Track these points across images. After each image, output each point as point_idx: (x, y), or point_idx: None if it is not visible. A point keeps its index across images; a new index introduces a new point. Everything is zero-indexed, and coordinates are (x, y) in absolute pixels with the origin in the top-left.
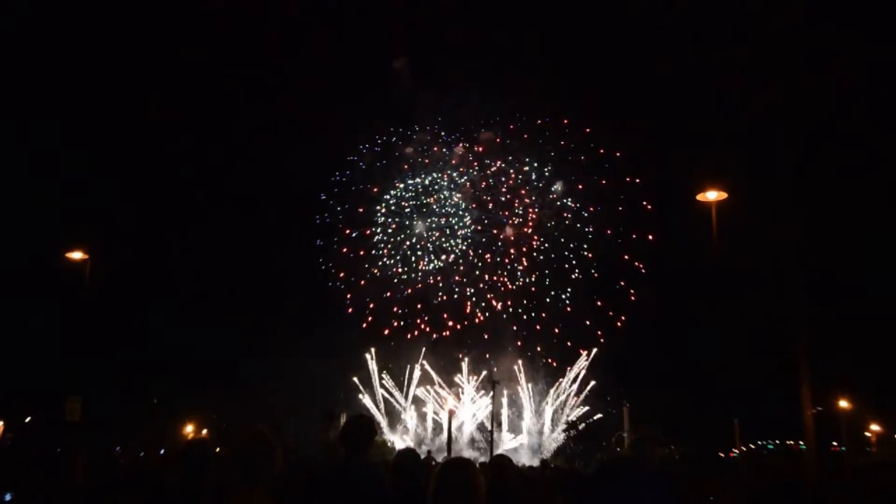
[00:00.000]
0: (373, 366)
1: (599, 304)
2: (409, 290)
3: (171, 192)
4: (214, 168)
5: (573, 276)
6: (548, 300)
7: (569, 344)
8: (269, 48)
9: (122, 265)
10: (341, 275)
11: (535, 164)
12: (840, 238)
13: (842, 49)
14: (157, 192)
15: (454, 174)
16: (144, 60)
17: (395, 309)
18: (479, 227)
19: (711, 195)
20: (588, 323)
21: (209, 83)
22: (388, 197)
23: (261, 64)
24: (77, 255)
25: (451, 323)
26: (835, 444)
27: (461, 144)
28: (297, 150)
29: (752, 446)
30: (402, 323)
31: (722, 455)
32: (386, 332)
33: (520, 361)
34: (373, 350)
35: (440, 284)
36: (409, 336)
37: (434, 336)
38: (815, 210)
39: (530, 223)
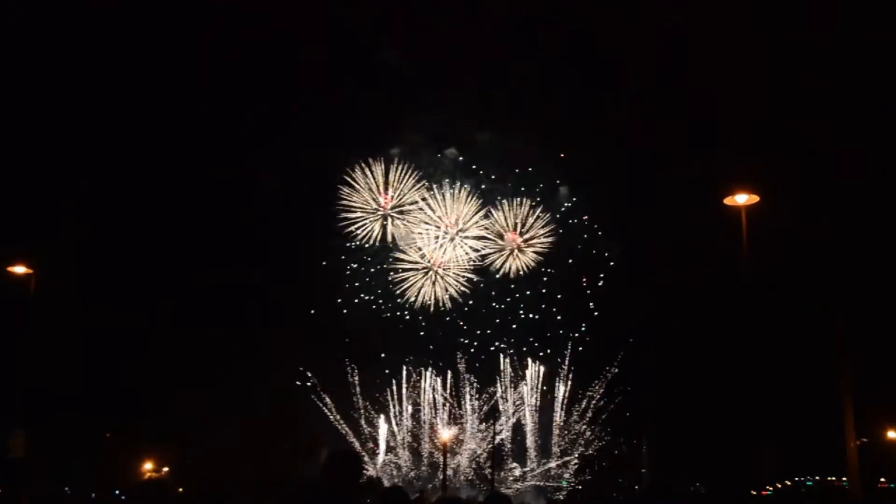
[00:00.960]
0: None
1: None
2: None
3: (133, 196)
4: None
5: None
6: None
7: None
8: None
9: (73, 280)
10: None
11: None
12: (886, 250)
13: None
14: (115, 198)
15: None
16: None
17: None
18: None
19: (741, 198)
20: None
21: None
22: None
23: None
24: (20, 270)
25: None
26: (883, 479)
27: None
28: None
29: (789, 482)
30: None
31: (754, 493)
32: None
33: (525, 387)
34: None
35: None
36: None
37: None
38: (858, 219)
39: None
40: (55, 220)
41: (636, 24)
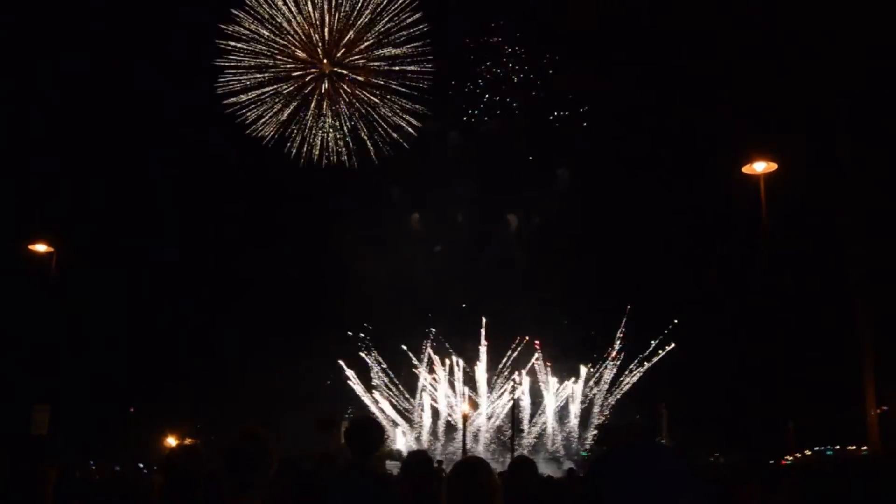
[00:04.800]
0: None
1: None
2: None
3: (156, 178)
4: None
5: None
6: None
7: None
8: None
9: (92, 258)
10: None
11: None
12: None
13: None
14: (137, 178)
15: None
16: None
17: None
18: None
19: (759, 166)
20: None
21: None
22: None
23: None
24: (41, 248)
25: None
26: None
27: None
28: None
29: (808, 452)
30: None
31: (773, 462)
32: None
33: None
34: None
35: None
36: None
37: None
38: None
39: None
40: (76, 198)
41: None
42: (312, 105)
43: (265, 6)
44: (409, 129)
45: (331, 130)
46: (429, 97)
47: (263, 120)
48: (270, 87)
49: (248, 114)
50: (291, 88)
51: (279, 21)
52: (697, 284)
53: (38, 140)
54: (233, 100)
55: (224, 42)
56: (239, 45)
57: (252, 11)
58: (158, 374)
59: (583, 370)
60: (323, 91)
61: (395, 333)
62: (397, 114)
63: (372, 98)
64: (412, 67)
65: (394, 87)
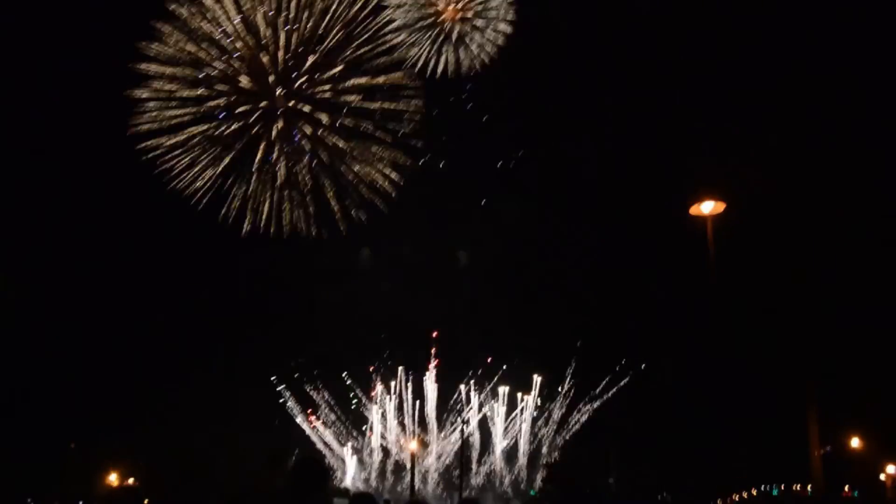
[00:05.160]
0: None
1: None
2: None
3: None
4: None
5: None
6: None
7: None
8: None
9: (34, 288)
10: None
11: None
12: (852, 257)
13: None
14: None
15: None
16: None
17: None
18: None
19: (707, 207)
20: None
21: None
22: None
23: None
24: None
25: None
26: (847, 488)
27: None
28: None
29: (755, 492)
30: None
31: (720, 501)
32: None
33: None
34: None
35: None
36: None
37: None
38: (825, 230)
39: None
40: (14, 221)
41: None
42: (260, 152)
43: (196, 16)
44: (388, 186)
45: (285, 190)
46: (415, 142)
47: (192, 171)
48: (201, 127)
49: (172, 162)
50: (231, 129)
51: (215, 36)
52: (648, 323)
53: None
54: (151, 142)
55: (141, 65)
56: (161, 70)
57: (179, 24)
58: (100, 407)
59: (536, 378)
60: (274, 133)
61: (346, 365)
62: (373, 165)
63: (339, 144)
64: (395, 105)
65: (369, 131)
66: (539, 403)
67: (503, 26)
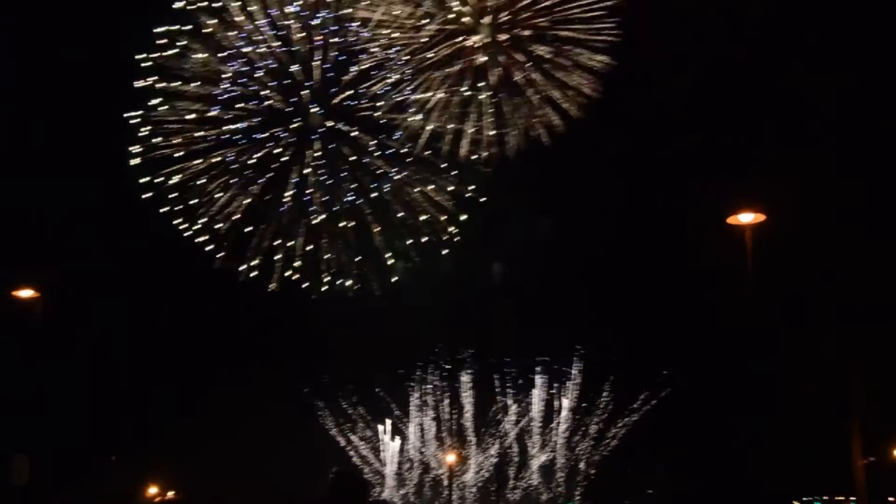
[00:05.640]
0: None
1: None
2: None
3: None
4: None
5: None
6: None
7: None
8: None
9: (78, 307)
10: None
11: None
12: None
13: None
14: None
15: None
16: None
17: None
18: None
19: (746, 217)
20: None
21: None
22: None
23: None
24: (27, 294)
25: None
26: (891, 499)
27: None
28: None
29: (797, 503)
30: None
31: None
32: None
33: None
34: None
35: None
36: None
37: None
38: (863, 237)
39: None
40: (61, 243)
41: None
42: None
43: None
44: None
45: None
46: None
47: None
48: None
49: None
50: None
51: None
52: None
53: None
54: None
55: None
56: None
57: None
58: (139, 422)
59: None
60: (308, 160)
61: (379, 383)
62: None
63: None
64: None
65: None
66: (576, 416)
67: None
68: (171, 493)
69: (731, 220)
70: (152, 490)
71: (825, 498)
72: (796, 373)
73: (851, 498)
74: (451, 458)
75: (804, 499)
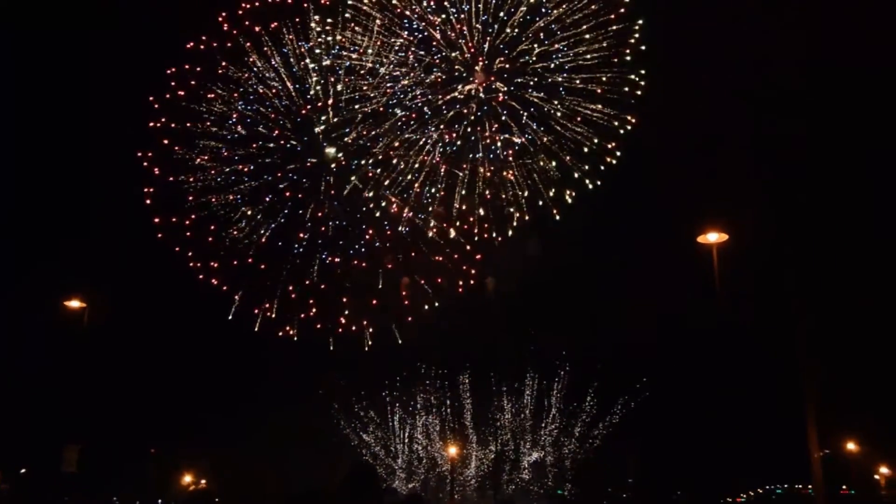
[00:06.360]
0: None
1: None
2: None
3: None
4: None
5: None
6: None
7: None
8: None
9: (119, 311)
10: None
11: None
12: (849, 273)
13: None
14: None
15: None
16: None
17: None
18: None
19: (712, 237)
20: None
21: None
22: None
23: None
24: (75, 304)
25: None
26: (844, 487)
27: None
28: None
29: (760, 490)
30: None
31: (729, 500)
32: None
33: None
34: None
35: None
36: None
37: None
38: (823, 248)
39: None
40: (108, 256)
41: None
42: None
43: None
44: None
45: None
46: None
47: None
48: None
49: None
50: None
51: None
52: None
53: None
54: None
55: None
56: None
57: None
58: (176, 417)
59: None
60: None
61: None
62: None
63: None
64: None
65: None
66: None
67: None
68: (203, 482)
69: (700, 239)
70: (187, 479)
71: (786, 486)
72: (761, 373)
73: (809, 487)
74: (452, 450)
75: (767, 486)
